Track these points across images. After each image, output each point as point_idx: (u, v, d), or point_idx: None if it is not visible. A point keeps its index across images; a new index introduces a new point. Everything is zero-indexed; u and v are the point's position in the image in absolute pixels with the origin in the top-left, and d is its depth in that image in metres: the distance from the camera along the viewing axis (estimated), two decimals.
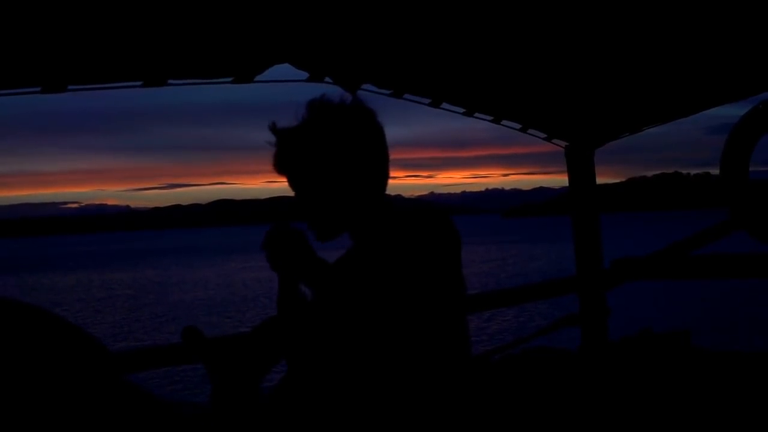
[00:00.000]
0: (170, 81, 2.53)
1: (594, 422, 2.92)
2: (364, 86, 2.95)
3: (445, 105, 3.40)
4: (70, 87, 2.37)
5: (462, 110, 3.50)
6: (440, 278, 1.67)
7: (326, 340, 1.70)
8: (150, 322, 25.59)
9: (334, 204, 1.75)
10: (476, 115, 3.59)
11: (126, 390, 1.46)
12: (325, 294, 1.71)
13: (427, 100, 3.29)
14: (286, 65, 2.66)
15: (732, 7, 2.90)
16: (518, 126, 3.87)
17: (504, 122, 3.78)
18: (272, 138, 1.78)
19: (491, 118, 3.69)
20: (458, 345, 1.73)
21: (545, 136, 4.04)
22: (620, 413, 2.94)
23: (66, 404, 1.38)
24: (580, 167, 4.18)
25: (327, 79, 2.80)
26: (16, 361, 1.38)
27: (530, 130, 3.94)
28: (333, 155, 1.73)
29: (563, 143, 4.16)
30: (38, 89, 2.32)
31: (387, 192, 1.81)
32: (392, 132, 1.87)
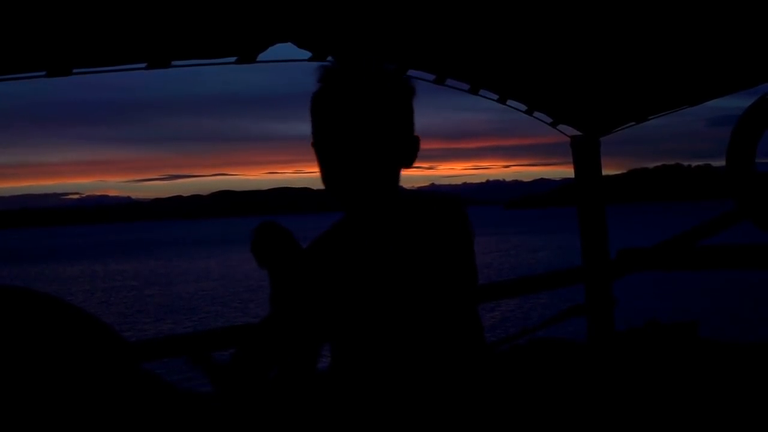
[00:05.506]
0: (174, 62, 2.52)
1: (601, 412, 2.92)
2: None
3: (450, 81, 3.34)
4: (75, 70, 2.36)
5: (467, 86, 3.46)
6: (460, 270, 1.67)
7: (328, 335, 1.68)
8: (155, 313, 25.65)
9: (381, 160, 1.65)
10: (482, 93, 3.55)
11: (144, 378, 1.47)
12: (315, 289, 1.68)
13: (432, 76, 3.24)
14: (289, 45, 2.64)
15: None
16: (524, 108, 3.85)
17: (510, 102, 3.75)
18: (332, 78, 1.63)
19: (497, 96, 3.67)
20: (475, 335, 1.73)
21: (551, 121, 4.02)
22: (627, 403, 2.94)
23: (85, 392, 1.39)
24: (586, 158, 4.18)
25: (329, 58, 2.78)
26: (36, 351, 1.38)
27: (536, 113, 3.92)
28: (395, 117, 1.65)
29: (568, 132, 4.15)
30: (44, 73, 2.31)
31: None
32: None
